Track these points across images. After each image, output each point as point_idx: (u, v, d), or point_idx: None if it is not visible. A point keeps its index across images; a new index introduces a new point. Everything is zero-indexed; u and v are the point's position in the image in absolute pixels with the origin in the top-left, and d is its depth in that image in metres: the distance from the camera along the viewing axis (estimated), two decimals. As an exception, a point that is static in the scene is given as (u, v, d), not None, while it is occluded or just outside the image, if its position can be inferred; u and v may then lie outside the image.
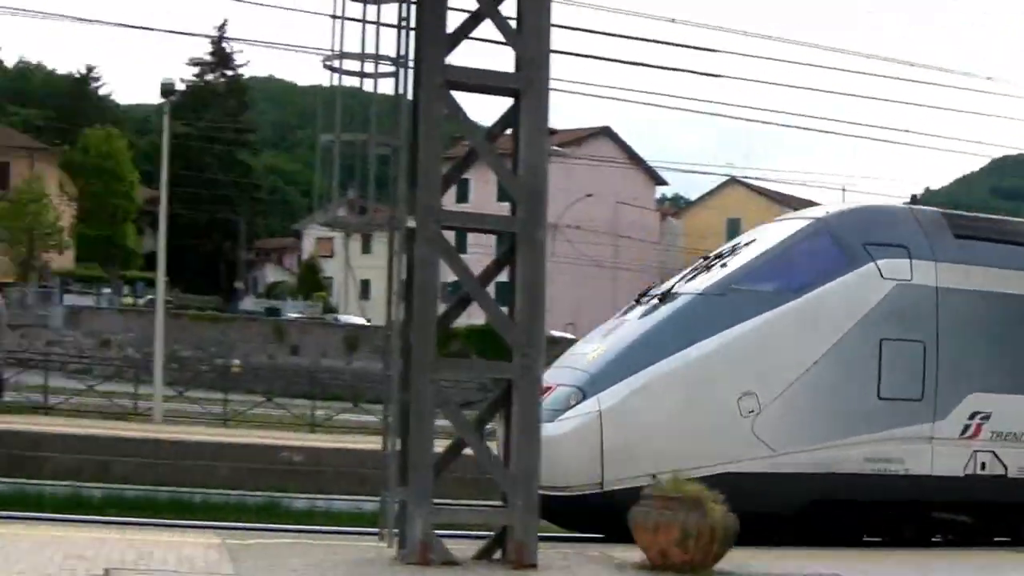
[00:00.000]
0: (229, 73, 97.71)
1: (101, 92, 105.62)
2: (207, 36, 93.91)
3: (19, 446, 21.60)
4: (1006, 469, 15.01)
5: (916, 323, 14.68)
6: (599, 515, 13.86)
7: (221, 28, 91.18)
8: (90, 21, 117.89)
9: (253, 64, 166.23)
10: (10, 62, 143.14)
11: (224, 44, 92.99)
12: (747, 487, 13.11)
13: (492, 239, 28.46)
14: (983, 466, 14.91)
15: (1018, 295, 15.45)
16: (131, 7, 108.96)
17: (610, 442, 13.54)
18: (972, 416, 14.87)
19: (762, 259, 15.11)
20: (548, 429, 13.43)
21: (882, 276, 14.49)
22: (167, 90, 34.92)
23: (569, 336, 42.18)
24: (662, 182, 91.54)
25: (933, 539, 15.28)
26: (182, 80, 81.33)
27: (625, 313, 15.27)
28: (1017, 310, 15.41)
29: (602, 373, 14.15)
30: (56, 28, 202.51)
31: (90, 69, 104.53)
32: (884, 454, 14.14)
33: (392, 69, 10.63)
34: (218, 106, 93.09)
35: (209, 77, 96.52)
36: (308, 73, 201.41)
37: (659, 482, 11.50)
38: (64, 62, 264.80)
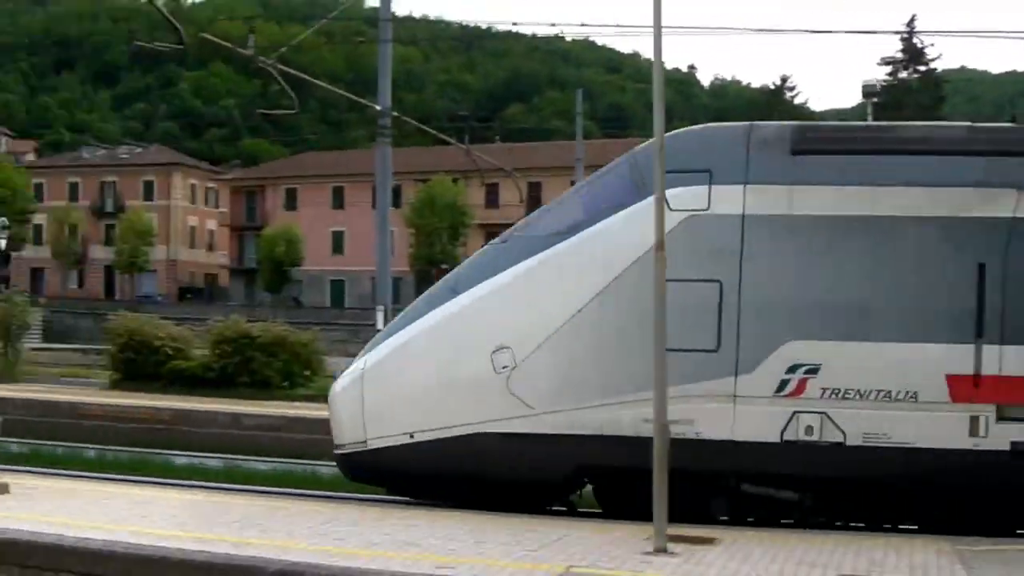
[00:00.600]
0: (921, 68, 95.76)
1: (796, 101, 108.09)
2: (896, 32, 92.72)
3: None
4: (845, 436, 11.94)
5: (712, 260, 12.27)
6: (369, 472, 13.62)
7: (910, 23, 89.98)
8: (780, 32, 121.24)
9: (945, 57, 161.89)
10: (706, 80, 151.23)
11: (915, 39, 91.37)
12: (506, 449, 12.47)
13: None
14: (809, 430, 11.97)
15: (870, 216, 12.07)
16: (820, 13, 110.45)
17: (370, 400, 13.23)
18: (792, 369, 12.00)
19: (556, 200, 14.00)
20: (332, 388, 14.02)
21: (670, 208, 11.45)
22: (869, 92, 35.16)
23: None
24: None
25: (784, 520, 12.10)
26: (876, 80, 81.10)
27: None
28: (866, 234, 12.09)
29: (383, 331, 14.00)
30: (749, 42, 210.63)
31: (784, 79, 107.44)
32: (669, 414, 10.75)
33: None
34: (913, 102, 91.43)
35: (902, 75, 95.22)
36: (1003, 60, 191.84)
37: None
38: (757, 75, 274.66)
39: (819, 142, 12.89)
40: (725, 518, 12.69)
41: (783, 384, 12.15)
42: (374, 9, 26.00)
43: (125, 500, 13.04)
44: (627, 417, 12.25)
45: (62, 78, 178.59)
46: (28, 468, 17.52)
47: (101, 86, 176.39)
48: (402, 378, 13.35)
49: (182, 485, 16.48)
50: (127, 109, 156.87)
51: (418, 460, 13.10)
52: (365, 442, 13.37)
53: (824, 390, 12.08)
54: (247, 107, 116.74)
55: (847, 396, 12.07)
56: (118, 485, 15.53)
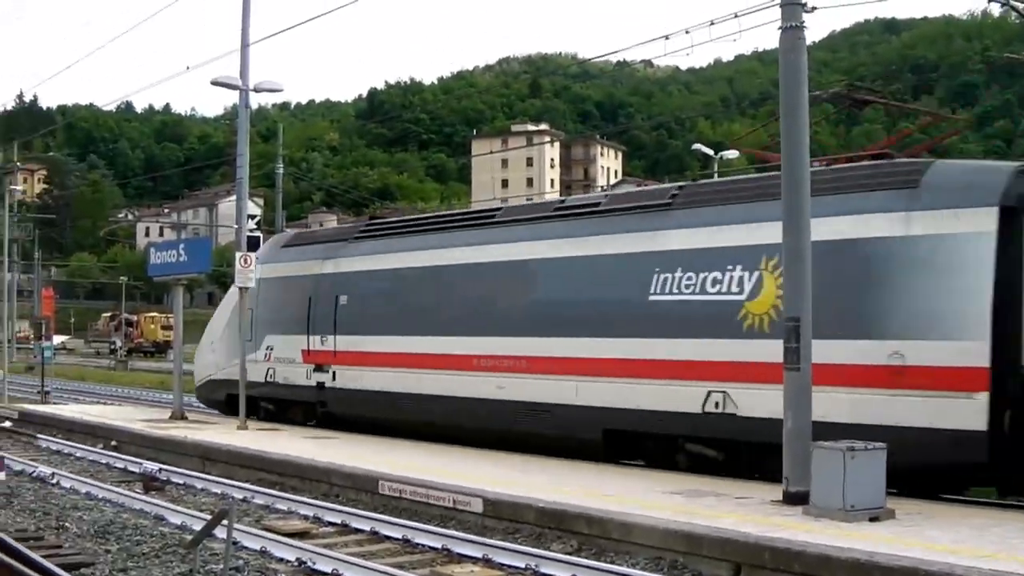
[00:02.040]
0: None
1: None
2: None
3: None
4: (281, 378, 26.17)
5: (253, 299, 26.24)
6: (199, 398, 30.87)
7: None
8: None
9: None
10: None
11: None
12: (215, 386, 28.75)
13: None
14: (272, 375, 26.39)
15: (287, 276, 26.66)
16: None
17: (197, 363, 30.37)
18: (268, 348, 26.59)
19: None
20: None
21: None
22: None
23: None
24: None
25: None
26: None
27: None
28: (287, 285, 26.53)
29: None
30: None
31: None
32: (249, 370, 25.93)
33: None
34: None
35: None
36: None
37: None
38: None
39: (286, 241, 28.82)
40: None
41: (266, 355, 26.55)
42: None
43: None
44: (234, 372, 26.11)
45: (920, 102, 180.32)
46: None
47: (959, 107, 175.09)
48: (201, 352, 30.11)
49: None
50: (987, 128, 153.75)
51: (206, 392, 29.64)
52: (196, 384, 30.06)
53: (276, 358, 26.29)
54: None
55: (281, 360, 26.15)
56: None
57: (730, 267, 16.88)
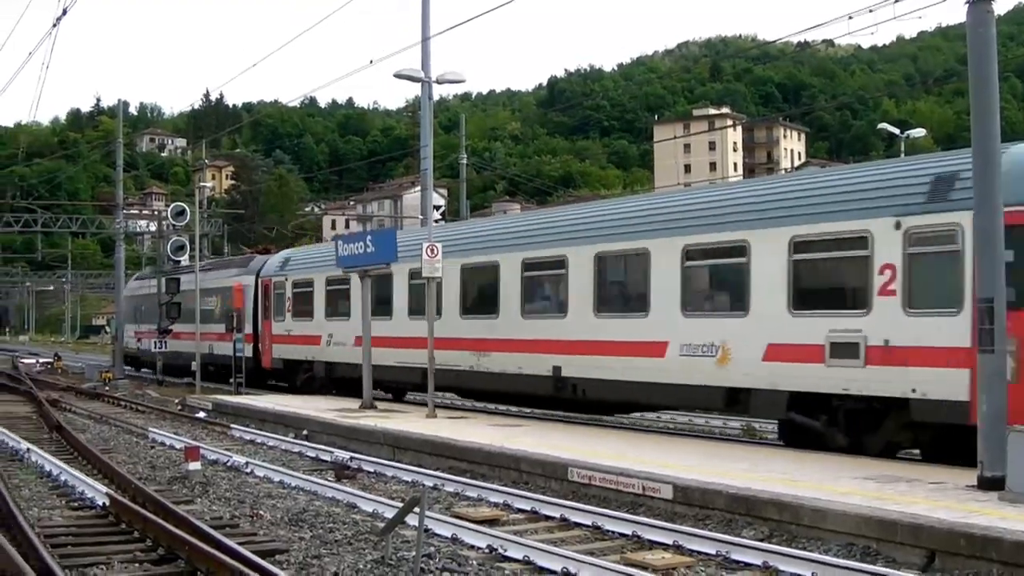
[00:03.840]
0: None
1: None
2: None
3: None
4: (126, 346, 56.58)
5: (125, 305, 58.32)
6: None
7: None
8: None
9: None
10: None
11: None
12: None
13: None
14: (126, 344, 56.19)
15: (129, 296, 59.12)
16: None
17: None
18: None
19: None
20: None
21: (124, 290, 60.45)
22: None
23: None
24: None
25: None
26: None
27: None
28: (129, 300, 58.80)
29: None
30: None
31: None
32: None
33: None
34: None
35: None
36: None
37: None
38: None
39: (136, 277, 63.87)
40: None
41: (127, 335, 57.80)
42: None
43: None
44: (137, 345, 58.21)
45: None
46: None
47: None
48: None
49: None
50: None
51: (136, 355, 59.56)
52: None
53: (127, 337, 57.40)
54: None
55: (128, 337, 57.48)
56: None
57: (215, 296, 43.93)
